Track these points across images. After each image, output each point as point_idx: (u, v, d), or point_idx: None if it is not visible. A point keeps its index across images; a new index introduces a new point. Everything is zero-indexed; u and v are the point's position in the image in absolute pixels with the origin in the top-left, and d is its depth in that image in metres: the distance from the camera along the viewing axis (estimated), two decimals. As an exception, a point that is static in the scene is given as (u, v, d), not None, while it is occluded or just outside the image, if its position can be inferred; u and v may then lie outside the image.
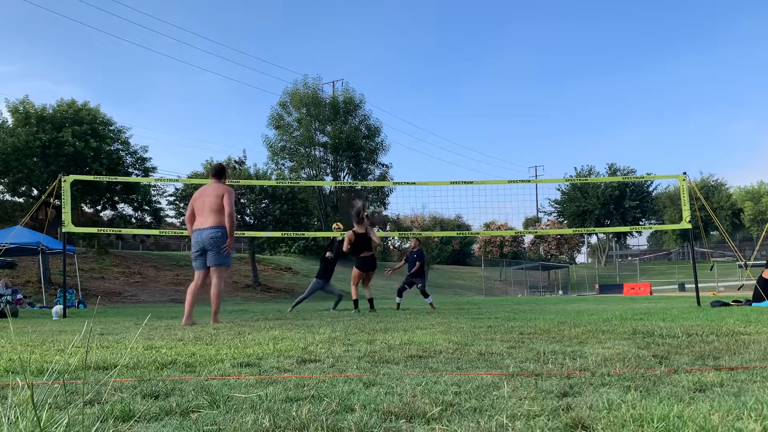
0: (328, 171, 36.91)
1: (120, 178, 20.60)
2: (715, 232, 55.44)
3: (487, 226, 45.56)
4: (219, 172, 7.08)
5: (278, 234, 13.56)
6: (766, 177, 76.61)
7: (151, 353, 3.31)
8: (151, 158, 29.85)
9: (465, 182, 10.75)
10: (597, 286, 40.65)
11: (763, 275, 9.61)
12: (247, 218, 32.53)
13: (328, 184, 34.61)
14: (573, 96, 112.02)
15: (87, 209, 28.48)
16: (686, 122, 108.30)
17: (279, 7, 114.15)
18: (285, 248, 46.04)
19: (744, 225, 59.81)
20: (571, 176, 59.83)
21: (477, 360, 2.86)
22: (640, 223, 60.74)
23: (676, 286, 37.06)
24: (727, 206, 58.84)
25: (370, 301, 10.06)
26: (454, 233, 15.82)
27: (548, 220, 60.52)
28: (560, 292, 44.58)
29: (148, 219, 28.56)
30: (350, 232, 9.94)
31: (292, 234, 20.82)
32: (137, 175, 27.89)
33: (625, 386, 2.05)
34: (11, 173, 24.42)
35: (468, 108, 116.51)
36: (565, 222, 60.34)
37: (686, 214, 10.43)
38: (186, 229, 7.15)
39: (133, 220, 28.53)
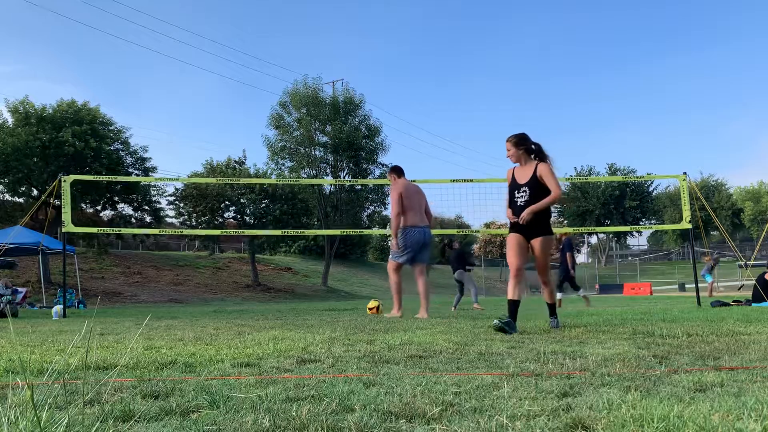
0: (328, 171, 36.85)
1: (120, 178, 20.59)
2: (715, 232, 55.37)
3: (488, 225, 45.53)
4: (401, 170, 7.53)
5: (278, 232, 13.46)
6: (766, 177, 76.40)
7: (151, 353, 3.31)
8: (151, 158, 29.87)
9: (465, 180, 10.74)
10: (597, 286, 40.62)
11: (766, 276, 9.58)
12: (247, 218, 32.53)
13: (328, 182, 34.51)
14: (573, 95, 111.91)
15: (87, 209, 28.49)
16: (686, 122, 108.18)
17: (279, 6, 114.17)
18: (285, 248, 46.02)
19: (744, 225, 59.76)
20: (571, 176, 59.80)
21: (477, 360, 2.86)
22: (640, 223, 60.72)
23: (676, 286, 37.01)
24: (727, 206, 58.77)
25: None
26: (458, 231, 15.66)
27: (548, 220, 60.35)
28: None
29: (148, 219, 28.55)
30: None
31: (292, 233, 20.77)
32: (137, 175, 27.88)
33: (625, 386, 2.05)
34: (11, 173, 24.41)
35: (468, 107, 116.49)
36: (566, 222, 60.31)
37: (686, 214, 10.44)
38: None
39: (133, 220, 28.52)
